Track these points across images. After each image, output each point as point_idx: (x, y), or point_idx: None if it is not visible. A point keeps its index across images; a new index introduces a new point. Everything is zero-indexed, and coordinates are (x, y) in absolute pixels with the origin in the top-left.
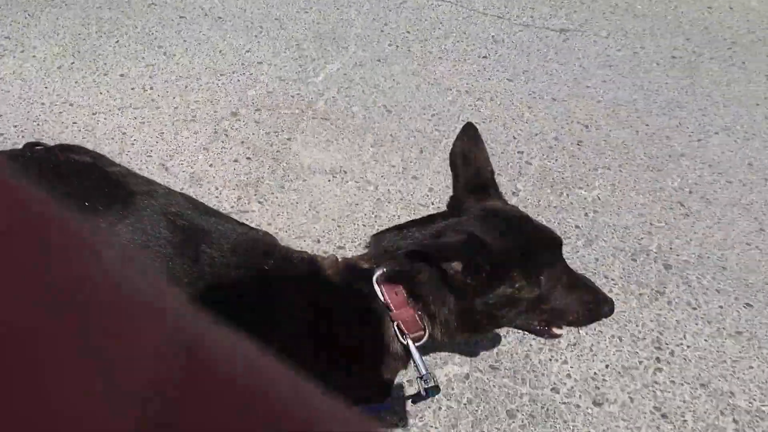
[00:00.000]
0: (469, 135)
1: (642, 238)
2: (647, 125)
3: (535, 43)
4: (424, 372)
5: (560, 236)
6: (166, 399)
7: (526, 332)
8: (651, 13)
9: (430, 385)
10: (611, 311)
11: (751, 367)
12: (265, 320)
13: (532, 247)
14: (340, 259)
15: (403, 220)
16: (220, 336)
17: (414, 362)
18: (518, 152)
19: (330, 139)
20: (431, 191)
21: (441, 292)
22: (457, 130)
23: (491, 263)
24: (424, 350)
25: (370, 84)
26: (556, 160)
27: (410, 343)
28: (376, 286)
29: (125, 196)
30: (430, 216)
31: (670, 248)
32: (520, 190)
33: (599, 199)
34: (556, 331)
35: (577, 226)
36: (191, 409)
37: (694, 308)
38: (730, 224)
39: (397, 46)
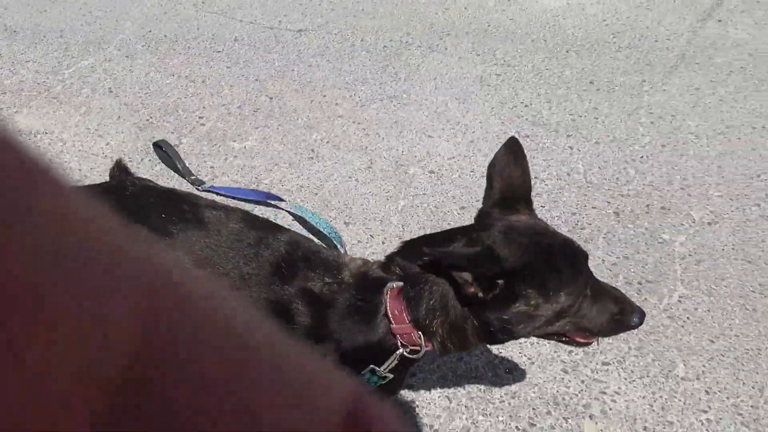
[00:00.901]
0: (511, 149)
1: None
2: (324, 96)
3: (269, 41)
4: (382, 369)
5: (585, 251)
6: (149, 334)
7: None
8: (387, 13)
9: (372, 381)
10: (641, 321)
11: None
12: (282, 309)
13: (554, 264)
14: (361, 263)
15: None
16: (196, 279)
17: (392, 362)
18: (199, 117)
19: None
20: (108, 146)
21: (452, 305)
22: (167, 106)
23: (506, 280)
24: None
25: (108, 73)
26: (227, 122)
27: (401, 351)
28: (385, 297)
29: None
30: (460, 228)
31: (282, 181)
32: (183, 142)
33: (246, 148)
34: (588, 341)
35: (213, 166)
36: (173, 348)
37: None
38: (345, 165)
39: (149, 46)
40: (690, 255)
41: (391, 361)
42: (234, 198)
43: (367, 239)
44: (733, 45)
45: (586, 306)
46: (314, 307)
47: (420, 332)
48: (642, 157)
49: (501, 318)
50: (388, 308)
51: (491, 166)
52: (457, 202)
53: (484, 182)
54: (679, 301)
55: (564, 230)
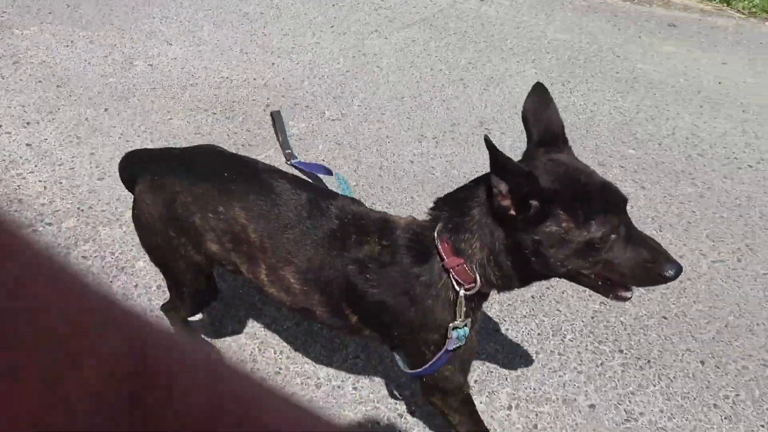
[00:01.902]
0: (538, 93)
1: None
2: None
3: None
4: (459, 320)
5: (625, 195)
6: (119, 403)
7: (591, 290)
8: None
9: (460, 335)
10: (676, 274)
11: None
12: (343, 264)
13: (587, 193)
14: (410, 219)
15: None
16: (174, 343)
17: (458, 310)
18: None
19: None
20: None
21: (490, 229)
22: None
23: (540, 199)
24: (484, 298)
25: None
26: None
27: (461, 292)
28: (435, 239)
29: (255, 172)
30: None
31: None
32: None
33: None
34: (622, 293)
35: None
36: (145, 412)
37: None
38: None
39: None
40: None
41: (459, 307)
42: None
43: None
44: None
45: (619, 246)
46: (376, 268)
47: (467, 263)
48: None
49: (533, 238)
50: (440, 247)
51: (524, 111)
52: None
53: None
54: None
55: None
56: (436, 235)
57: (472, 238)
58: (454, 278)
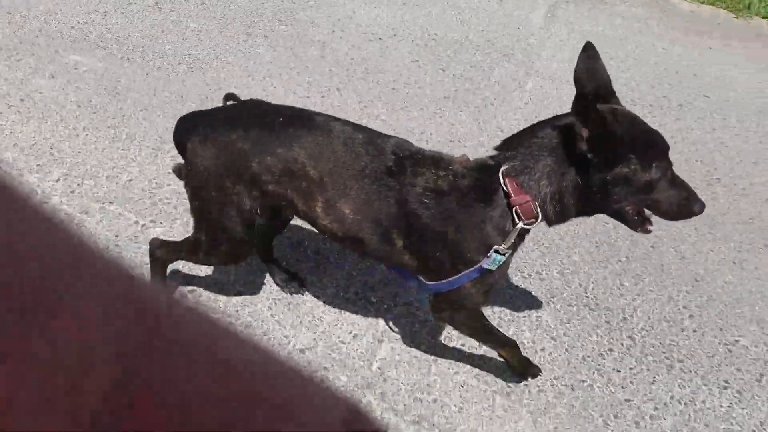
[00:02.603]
0: (590, 54)
1: None
2: None
3: None
4: (504, 246)
5: (668, 143)
6: (126, 356)
7: (621, 221)
8: None
9: (497, 259)
10: (701, 210)
11: None
12: (399, 194)
13: (651, 141)
14: (465, 157)
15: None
16: (175, 303)
17: (508, 239)
18: None
19: None
20: None
21: (562, 170)
22: None
23: (614, 144)
24: (527, 233)
25: None
26: None
27: (520, 224)
28: (501, 177)
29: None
30: (559, 115)
31: None
32: None
33: None
34: (648, 227)
35: None
36: (151, 365)
37: None
38: None
39: None
40: None
41: (513, 236)
42: None
43: None
44: None
45: (665, 185)
46: (433, 196)
47: (534, 200)
48: None
49: (604, 178)
50: (507, 185)
51: (578, 70)
52: None
53: None
54: None
55: None
56: (502, 172)
57: (542, 178)
58: (516, 212)
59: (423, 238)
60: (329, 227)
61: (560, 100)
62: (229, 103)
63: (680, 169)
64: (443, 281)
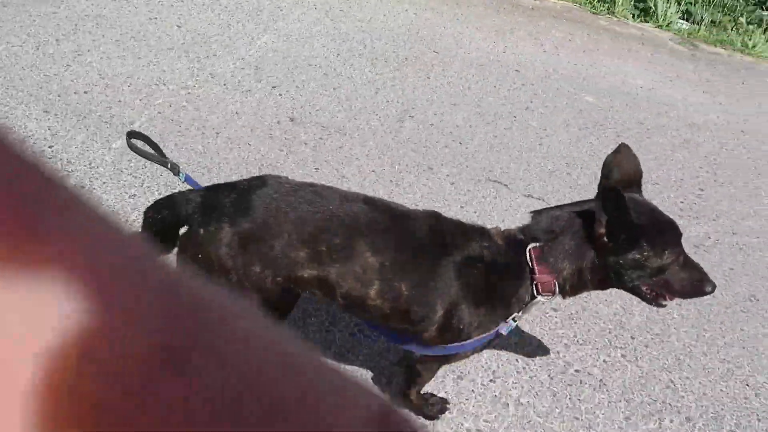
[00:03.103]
0: (623, 152)
1: None
2: None
3: None
4: (519, 314)
5: (681, 231)
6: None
7: (637, 297)
8: None
9: (511, 327)
10: (713, 290)
11: None
12: (447, 264)
13: (663, 229)
14: (503, 229)
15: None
16: (222, 299)
17: (526, 309)
18: None
19: None
20: None
21: (582, 251)
22: None
23: (629, 232)
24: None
25: None
26: None
27: (539, 298)
28: (528, 254)
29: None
30: (582, 201)
31: None
32: None
33: None
34: (663, 301)
35: None
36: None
37: None
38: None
39: None
40: None
41: (530, 307)
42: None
43: None
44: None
45: (678, 269)
46: (477, 271)
47: (555, 279)
48: None
49: (618, 262)
50: (533, 262)
51: (606, 163)
52: None
53: None
54: None
55: None
56: (529, 250)
57: (564, 258)
58: (536, 286)
59: (460, 308)
60: (379, 305)
61: (286, 56)
62: (133, 140)
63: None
64: (463, 343)
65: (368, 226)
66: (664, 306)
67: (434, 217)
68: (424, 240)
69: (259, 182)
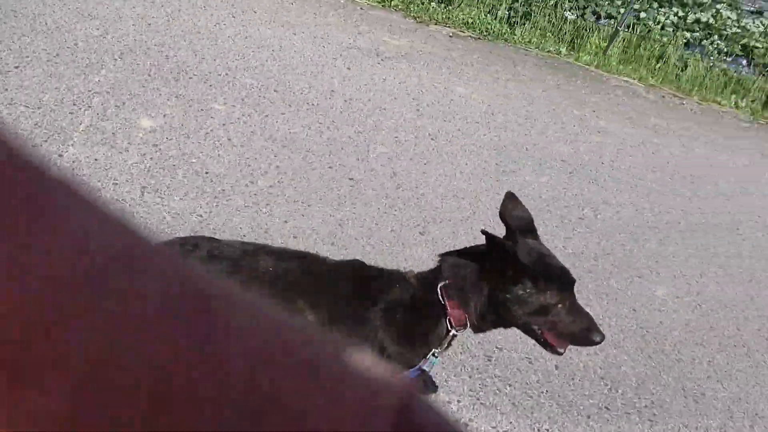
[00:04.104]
0: (510, 199)
1: None
2: None
3: None
4: (439, 350)
5: (575, 278)
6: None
7: (535, 341)
8: None
9: (434, 362)
10: (601, 341)
11: None
12: (373, 310)
13: (548, 270)
14: (416, 272)
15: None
16: (231, 290)
17: (446, 343)
18: None
19: None
20: None
21: (480, 287)
22: None
23: (514, 267)
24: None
25: None
26: None
27: (453, 331)
28: (439, 294)
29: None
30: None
31: None
32: None
33: None
34: (558, 348)
35: None
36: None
37: None
38: None
39: None
40: None
41: (447, 341)
42: None
43: None
44: None
45: (565, 313)
46: (395, 315)
47: (466, 313)
48: None
49: (506, 296)
50: (444, 299)
51: (501, 214)
52: None
53: None
54: None
55: None
56: (440, 289)
57: (468, 292)
58: (449, 321)
59: (386, 349)
60: None
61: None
62: None
63: None
64: None
65: (304, 283)
66: (561, 354)
67: (358, 266)
68: (351, 290)
69: (191, 246)
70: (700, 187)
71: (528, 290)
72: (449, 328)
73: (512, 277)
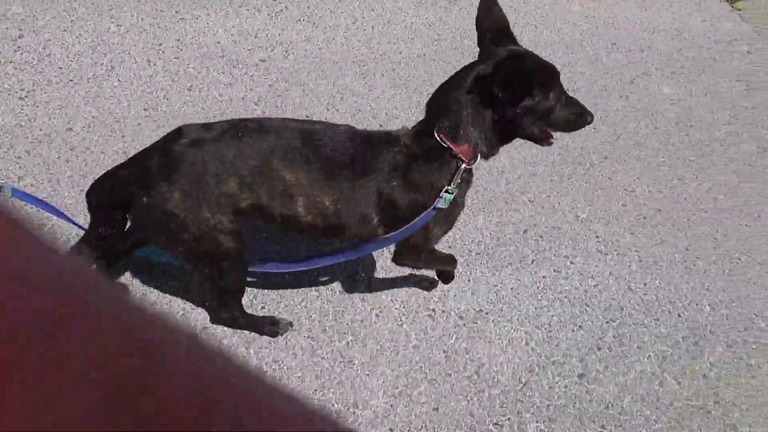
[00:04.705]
0: (486, 3)
1: None
2: None
3: None
4: (452, 185)
5: (558, 70)
6: (122, 397)
7: (530, 141)
8: None
9: (447, 198)
10: (592, 120)
11: None
12: (370, 167)
13: (548, 75)
14: (410, 127)
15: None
16: (177, 337)
17: (455, 178)
18: None
19: None
20: None
21: (482, 114)
22: None
23: (520, 83)
24: (472, 173)
25: None
26: None
27: (463, 166)
28: (438, 137)
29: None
30: (466, 67)
31: None
32: None
33: None
34: (551, 140)
35: None
36: (146, 410)
37: None
38: None
39: None
40: None
41: (458, 175)
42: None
43: None
44: None
45: (562, 107)
46: (396, 172)
47: (472, 145)
48: None
49: (515, 112)
50: (446, 141)
51: (478, 18)
52: None
53: None
54: None
55: None
56: (437, 132)
57: (470, 126)
58: (459, 158)
59: (395, 207)
60: (312, 222)
61: None
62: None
63: None
64: (407, 226)
65: (286, 147)
66: (552, 144)
67: (350, 131)
68: (345, 156)
69: (176, 135)
70: None
71: (536, 99)
72: (458, 165)
73: (519, 91)
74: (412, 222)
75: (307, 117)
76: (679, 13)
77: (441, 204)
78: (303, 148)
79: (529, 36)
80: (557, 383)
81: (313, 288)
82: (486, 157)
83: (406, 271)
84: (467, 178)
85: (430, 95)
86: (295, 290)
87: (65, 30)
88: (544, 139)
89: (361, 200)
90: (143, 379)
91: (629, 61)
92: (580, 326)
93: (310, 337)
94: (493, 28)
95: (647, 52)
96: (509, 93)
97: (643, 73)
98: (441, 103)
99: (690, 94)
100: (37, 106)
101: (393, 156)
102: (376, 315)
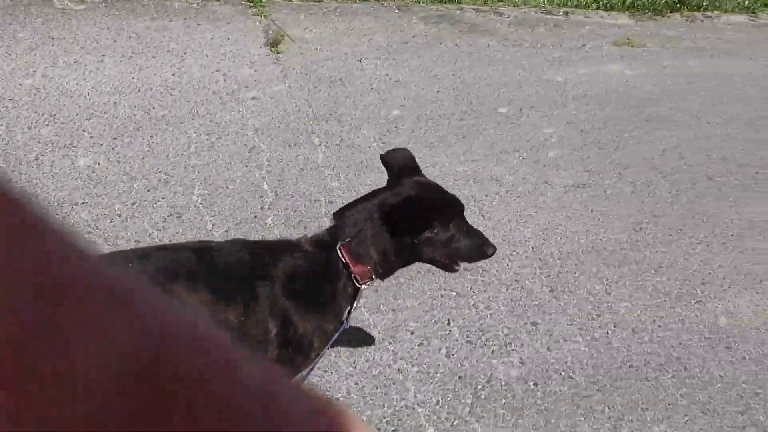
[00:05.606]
0: (394, 149)
1: None
2: None
3: None
4: (353, 306)
5: (463, 203)
6: (131, 389)
7: (435, 266)
8: None
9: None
10: (493, 253)
11: None
12: (264, 283)
13: (446, 205)
14: (310, 236)
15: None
16: (189, 325)
17: (356, 301)
18: None
19: None
20: None
21: (383, 240)
22: None
23: (420, 215)
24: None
25: None
26: None
27: (361, 287)
28: (339, 252)
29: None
30: (376, 190)
31: None
32: None
33: None
34: (456, 267)
35: None
36: (157, 399)
37: None
38: None
39: None
40: None
41: (358, 299)
42: None
43: None
44: None
45: (463, 238)
46: (295, 284)
47: (369, 267)
48: None
49: (413, 242)
50: (346, 258)
51: (383, 157)
52: None
53: None
54: None
55: None
56: (339, 248)
57: (370, 246)
58: (356, 278)
59: (291, 321)
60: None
61: None
62: None
63: None
64: (332, 340)
65: (183, 269)
66: (457, 271)
67: (240, 244)
68: (237, 269)
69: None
70: None
71: (435, 231)
72: (357, 284)
73: (419, 223)
74: (333, 339)
75: None
76: None
77: (347, 325)
78: (205, 270)
79: None
80: None
81: None
82: (382, 278)
83: None
84: (353, 294)
85: (341, 206)
86: None
87: None
88: (448, 266)
89: (260, 313)
90: (156, 368)
91: None
92: None
93: None
94: (399, 160)
95: None
96: (410, 224)
97: None
98: (348, 216)
99: None
100: None
101: (294, 263)
102: None
